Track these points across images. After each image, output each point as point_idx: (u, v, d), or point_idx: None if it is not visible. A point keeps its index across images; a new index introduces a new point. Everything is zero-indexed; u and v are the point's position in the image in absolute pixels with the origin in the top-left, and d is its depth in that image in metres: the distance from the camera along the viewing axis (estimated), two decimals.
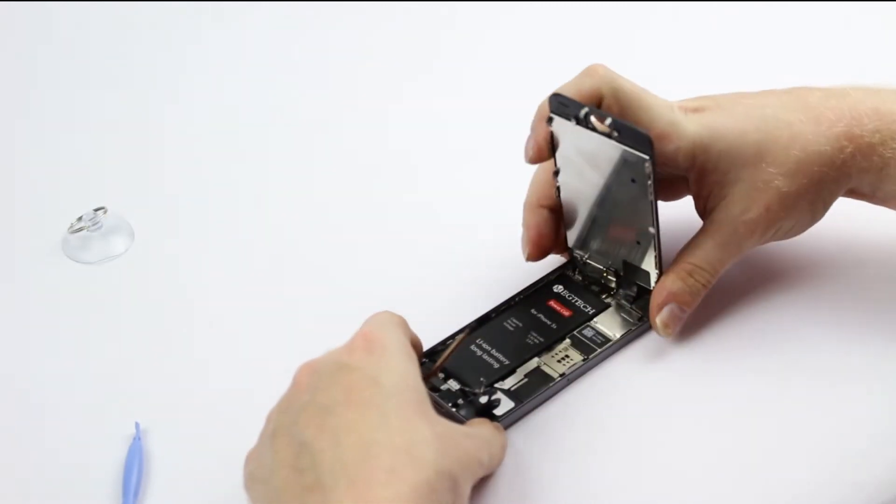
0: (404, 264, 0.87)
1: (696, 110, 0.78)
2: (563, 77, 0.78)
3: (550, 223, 0.82)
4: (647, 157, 0.75)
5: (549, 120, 0.78)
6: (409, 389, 0.68)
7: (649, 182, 0.76)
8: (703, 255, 0.79)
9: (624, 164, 0.77)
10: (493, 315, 0.81)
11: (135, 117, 1.01)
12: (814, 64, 1.02)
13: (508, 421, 0.76)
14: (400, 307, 0.75)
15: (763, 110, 0.78)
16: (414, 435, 0.66)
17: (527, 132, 0.79)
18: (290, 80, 1.03)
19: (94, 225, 0.89)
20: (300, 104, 1.01)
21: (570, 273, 0.84)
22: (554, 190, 0.81)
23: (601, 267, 0.83)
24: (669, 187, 0.82)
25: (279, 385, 0.80)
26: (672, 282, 0.79)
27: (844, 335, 0.80)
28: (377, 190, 0.93)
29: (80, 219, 0.90)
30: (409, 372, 0.69)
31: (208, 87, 1.04)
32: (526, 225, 0.82)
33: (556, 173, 0.81)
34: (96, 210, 0.90)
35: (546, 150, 0.80)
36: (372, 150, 0.97)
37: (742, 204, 0.78)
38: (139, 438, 0.77)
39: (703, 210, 0.80)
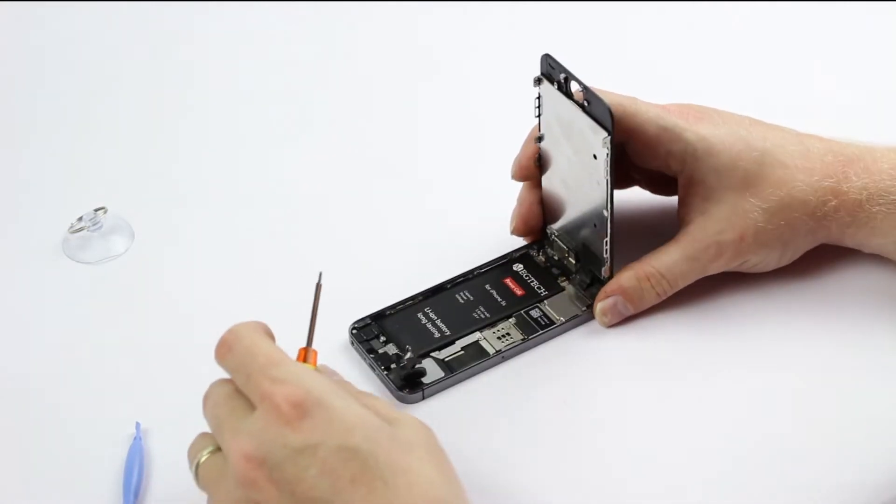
0: (399, 258, 0.88)
1: (698, 119, 0.80)
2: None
3: (542, 205, 0.84)
4: (606, 132, 0.75)
5: (538, 81, 0.79)
6: (377, 427, 0.63)
7: (607, 160, 0.76)
8: (667, 263, 0.80)
9: (589, 137, 0.77)
10: (448, 286, 0.83)
11: (135, 117, 1.01)
12: (813, 65, 1.02)
13: (434, 389, 0.78)
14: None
15: (764, 143, 0.79)
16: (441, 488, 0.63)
17: (516, 122, 0.80)
18: (289, 81, 1.03)
19: (94, 225, 0.89)
20: (299, 104, 1.01)
21: (534, 253, 0.85)
22: (535, 157, 0.82)
23: (565, 247, 0.83)
24: (667, 182, 0.83)
25: None
26: (627, 278, 0.80)
27: (845, 331, 0.80)
28: (380, 188, 0.94)
29: (80, 219, 0.90)
30: (356, 410, 0.64)
31: (208, 87, 1.04)
32: (520, 200, 0.84)
33: (540, 139, 0.81)
34: (96, 210, 0.90)
35: (531, 168, 0.82)
36: (371, 150, 0.97)
37: (719, 224, 0.79)
38: (139, 438, 0.77)
39: (683, 217, 0.81)
